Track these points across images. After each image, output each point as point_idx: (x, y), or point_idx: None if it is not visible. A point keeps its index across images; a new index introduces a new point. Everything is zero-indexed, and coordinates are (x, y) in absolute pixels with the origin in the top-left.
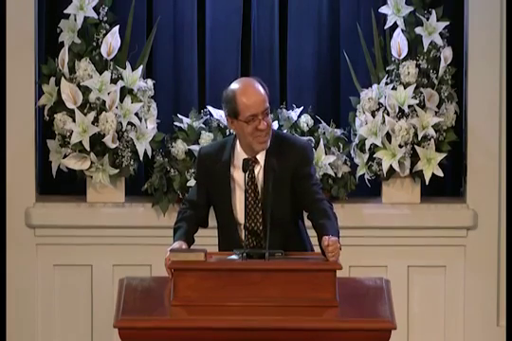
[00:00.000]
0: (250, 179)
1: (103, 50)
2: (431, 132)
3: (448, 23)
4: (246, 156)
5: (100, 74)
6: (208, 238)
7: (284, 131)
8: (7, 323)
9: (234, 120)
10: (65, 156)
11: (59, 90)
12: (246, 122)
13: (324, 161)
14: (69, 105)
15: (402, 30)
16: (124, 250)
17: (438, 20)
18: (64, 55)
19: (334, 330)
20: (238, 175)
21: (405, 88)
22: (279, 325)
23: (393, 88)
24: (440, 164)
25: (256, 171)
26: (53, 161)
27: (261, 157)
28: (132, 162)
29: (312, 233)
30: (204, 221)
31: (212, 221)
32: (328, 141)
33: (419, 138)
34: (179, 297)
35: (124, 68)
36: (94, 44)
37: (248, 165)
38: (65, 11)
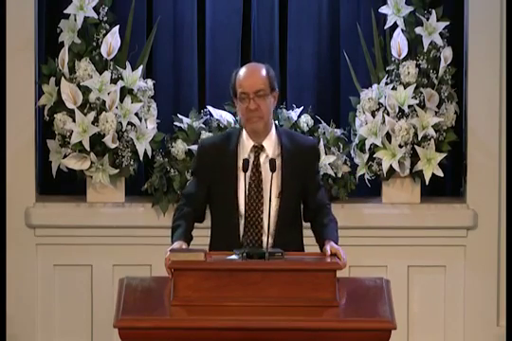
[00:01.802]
0: (255, 166)
1: (103, 50)
2: (431, 132)
3: (448, 23)
4: (252, 143)
5: (100, 74)
6: (208, 238)
7: None
8: (7, 323)
9: (235, 100)
10: (65, 156)
11: (59, 90)
12: (240, 100)
13: (324, 161)
14: (69, 105)
15: (402, 30)
16: (124, 250)
17: (438, 20)
18: (64, 55)
19: (334, 330)
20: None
21: (405, 88)
22: (279, 325)
23: (393, 88)
24: (440, 164)
25: (262, 159)
26: (53, 161)
27: (268, 145)
28: (132, 162)
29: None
30: (201, 216)
31: (207, 221)
32: (328, 141)
33: (419, 138)
34: (179, 297)
35: (124, 68)
36: (94, 44)
37: (248, 165)
38: (65, 11)
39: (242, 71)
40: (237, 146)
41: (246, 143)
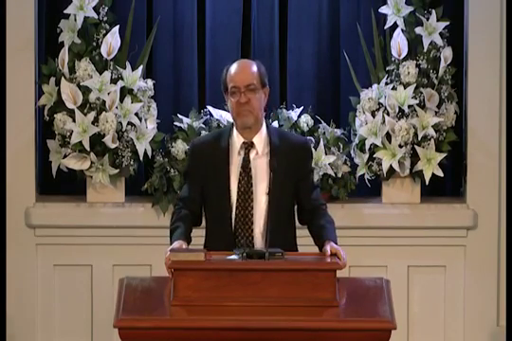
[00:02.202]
0: (245, 162)
1: (103, 50)
2: (431, 132)
3: (448, 23)
4: (242, 140)
5: (100, 74)
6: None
7: None
8: (7, 323)
9: (226, 96)
10: (65, 156)
11: (59, 90)
12: (231, 95)
13: (324, 161)
14: (69, 105)
15: (402, 30)
16: (124, 250)
17: (438, 20)
18: (64, 55)
19: (334, 330)
20: (235, 161)
21: (405, 88)
22: (279, 325)
23: (393, 88)
24: (440, 164)
25: (252, 156)
26: (53, 161)
27: (258, 142)
28: (132, 162)
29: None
30: (198, 219)
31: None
32: (328, 141)
33: (419, 138)
34: (179, 297)
35: (124, 68)
36: (94, 44)
37: (248, 165)
38: (65, 11)
39: (233, 67)
40: (228, 143)
41: (237, 140)
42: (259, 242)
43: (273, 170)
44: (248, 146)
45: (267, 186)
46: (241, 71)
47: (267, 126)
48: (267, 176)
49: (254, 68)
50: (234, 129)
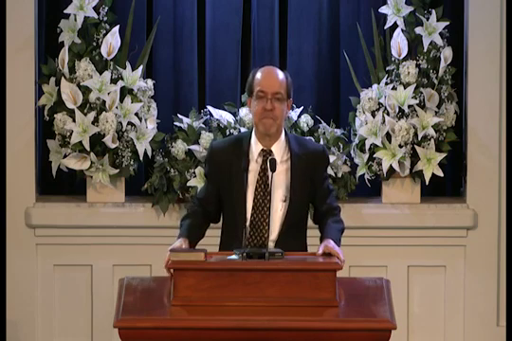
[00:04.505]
0: (262, 170)
1: (103, 50)
2: (431, 132)
3: (448, 23)
4: (260, 147)
5: (100, 74)
6: (208, 238)
7: None
8: (7, 323)
9: (251, 99)
10: (65, 156)
11: (59, 90)
12: (257, 99)
13: None
14: (69, 105)
15: (402, 30)
16: (124, 250)
17: (438, 20)
18: (63, 55)
19: (334, 330)
20: (252, 168)
21: (405, 88)
22: (279, 325)
23: (393, 88)
24: (440, 164)
25: (269, 163)
26: (53, 161)
27: (276, 149)
28: (132, 162)
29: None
30: (214, 216)
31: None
32: (328, 141)
33: (419, 138)
34: (179, 297)
35: (124, 68)
36: (94, 44)
37: (248, 166)
38: (65, 11)
39: (262, 71)
40: (247, 149)
41: (255, 147)
42: (270, 246)
43: (274, 170)
44: (267, 154)
45: (284, 193)
46: (271, 77)
47: (286, 133)
48: (285, 183)
49: (283, 77)
50: (253, 135)
